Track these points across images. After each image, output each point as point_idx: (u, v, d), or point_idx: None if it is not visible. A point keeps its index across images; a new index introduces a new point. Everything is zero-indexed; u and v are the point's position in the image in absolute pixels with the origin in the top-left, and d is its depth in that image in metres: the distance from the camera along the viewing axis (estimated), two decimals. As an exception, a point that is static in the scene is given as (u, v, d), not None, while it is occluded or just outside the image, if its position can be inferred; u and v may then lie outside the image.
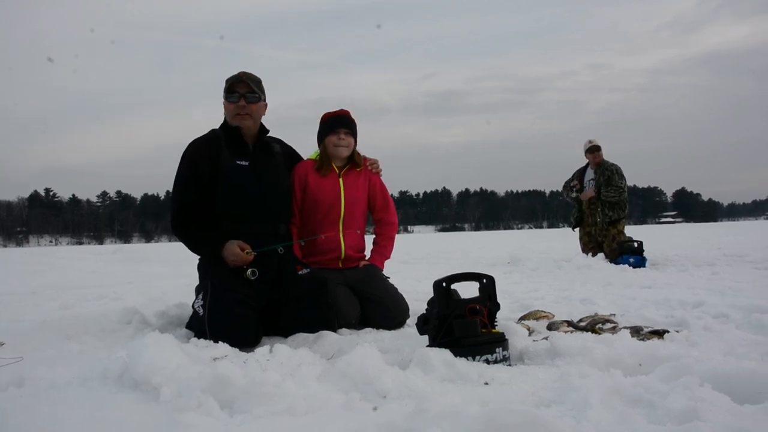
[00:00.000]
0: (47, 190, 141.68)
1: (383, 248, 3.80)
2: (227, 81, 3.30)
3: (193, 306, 3.17)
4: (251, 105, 3.28)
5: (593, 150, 8.27)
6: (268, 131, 3.46)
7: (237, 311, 2.95)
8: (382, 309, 3.44)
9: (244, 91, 3.27)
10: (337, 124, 3.59)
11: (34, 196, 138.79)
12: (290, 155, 3.66)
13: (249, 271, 3.10)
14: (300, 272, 3.35)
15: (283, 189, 3.46)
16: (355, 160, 3.69)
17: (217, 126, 3.41)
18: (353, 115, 3.70)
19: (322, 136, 3.65)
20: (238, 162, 3.26)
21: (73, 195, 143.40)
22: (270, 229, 3.33)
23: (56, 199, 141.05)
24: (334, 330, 3.15)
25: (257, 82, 3.34)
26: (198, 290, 3.21)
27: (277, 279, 3.24)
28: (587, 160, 8.47)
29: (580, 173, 8.54)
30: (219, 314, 2.95)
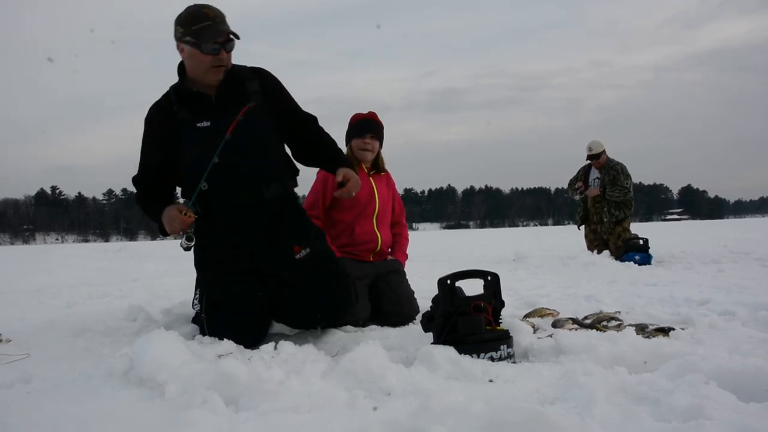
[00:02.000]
0: (53, 188, 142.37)
1: (403, 246, 4.01)
2: (192, 24, 2.65)
3: (192, 305, 3.03)
4: (229, 54, 2.74)
5: (592, 158, 8.22)
6: (234, 67, 2.84)
7: (234, 314, 2.76)
8: (393, 302, 3.48)
9: (223, 39, 2.68)
10: (364, 128, 3.71)
11: (41, 194, 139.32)
12: (273, 89, 2.95)
13: (185, 238, 2.68)
14: (298, 255, 2.84)
15: (262, 143, 2.86)
16: (379, 166, 3.84)
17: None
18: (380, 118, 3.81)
19: (349, 138, 3.78)
20: (198, 124, 2.76)
21: (79, 193, 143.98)
22: (253, 194, 2.82)
23: (62, 197, 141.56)
24: (353, 305, 2.91)
25: (226, 20, 2.72)
26: (196, 286, 3.00)
27: (270, 259, 2.85)
28: None
29: (585, 171, 8.50)
30: (217, 318, 2.80)
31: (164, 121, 2.80)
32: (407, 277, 3.86)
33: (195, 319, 3.06)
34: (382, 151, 3.86)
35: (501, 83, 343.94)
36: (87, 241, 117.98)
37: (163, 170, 2.87)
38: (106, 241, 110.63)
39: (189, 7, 2.71)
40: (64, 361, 2.53)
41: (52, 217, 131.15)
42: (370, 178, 3.76)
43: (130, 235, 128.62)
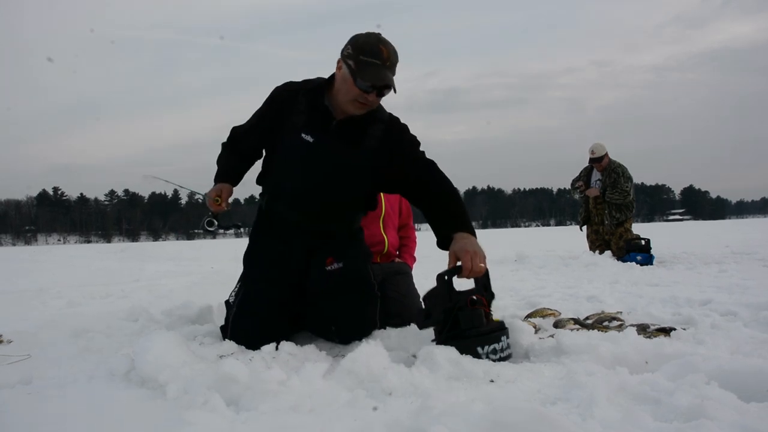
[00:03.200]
0: (55, 189, 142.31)
1: (411, 249, 4.00)
2: (362, 54, 2.51)
3: (230, 295, 2.96)
4: (379, 98, 2.63)
5: (595, 161, 8.27)
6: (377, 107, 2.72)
7: (257, 316, 2.70)
8: (398, 304, 3.48)
9: (382, 84, 2.54)
10: None
11: (43, 194, 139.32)
12: (394, 142, 2.73)
13: (206, 221, 2.86)
14: (329, 267, 2.78)
15: (348, 185, 2.74)
16: None
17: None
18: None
19: None
20: (303, 135, 2.65)
21: (81, 194, 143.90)
22: (313, 223, 2.77)
23: (64, 197, 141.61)
24: (368, 326, 2.82)
25: (396, 67, 2.60)
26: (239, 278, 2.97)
27: (304, 269, 2.80)
28: None
29: (587, 172, 8.54)
30: (242, 313, 2.75)
31: (282, 108, 2.75)
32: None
33: (227, 303, 2.97)
34: None
35: (503, 83, 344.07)
36: (89, 241, 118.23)
37: (253, 143, 2.87)
38: (108, 241, 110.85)
39: (371, 35, 2.58)
40: (66, 362, 2.53)
41: (54, 217, 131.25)
42: None
43: (132, 236, 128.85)
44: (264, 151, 2.90)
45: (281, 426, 1.67)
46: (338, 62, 2.63)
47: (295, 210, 2.77)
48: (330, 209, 2.78)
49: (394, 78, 2.58)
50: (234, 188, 2.93)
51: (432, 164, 2.75)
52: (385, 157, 2.70)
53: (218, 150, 3.02)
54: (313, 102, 2.70)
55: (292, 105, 2.72)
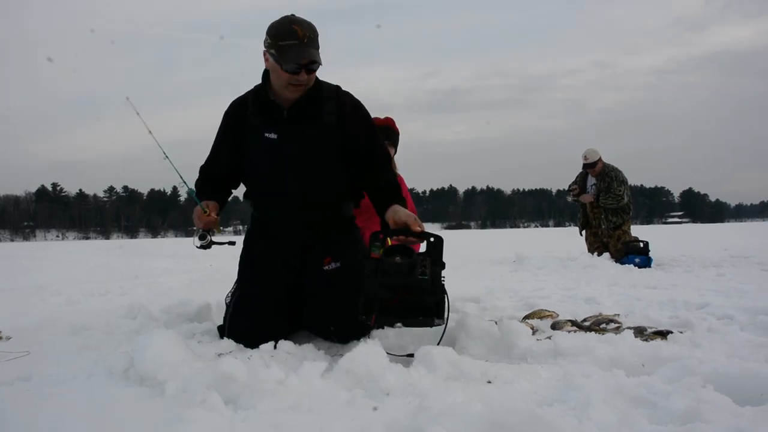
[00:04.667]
0: (54, 185, 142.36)
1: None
2: (279, 39, 2.58)
3: (227, 295, 3.02)
4: (310, 75, 2.67)
5: (588, 167, 8.28)
6: (318, 84, 2.78)
7: (253, 315, 2.73)
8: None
9: (306, 61, 2.60)
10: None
11: (42, 190, 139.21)
12: (348, 114, 2.80)
13: (198, 235, 2.80)
14: (327, 267, 2.80)
15: (323, 165, 2.78)
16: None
17: None
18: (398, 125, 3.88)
19: None
20: (266, 134, 2.75)
21: (80, 190, 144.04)
22: (302, 213, 2.80)
23: (63, 193, 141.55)
24: (365, 326, 2.73)
25: (317, 41, 2.65)
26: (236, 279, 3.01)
27: (302, 269, 2.83)
28: None
29: (583, 177, 8.55)
30: (237, 313, 2.79)
31: (238, 121, 2.84)
32: None
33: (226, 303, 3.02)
34: (396, 156, 3.84)
35: (503, 84, 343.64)
36: (88, 238, 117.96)
37: (225, 167, 2.93)
38: (107, 238, 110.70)
39: (282, 19, 2.65)
40: (65, 359, 2.53)
41: (53, 213, 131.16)
42: None
43: (131, 232, 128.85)
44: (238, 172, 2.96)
45: (279, 425, 1.68)
46: (264, 54, 2.72)
47: (284, 208, 2.82)
48: (316, 195, 2.80)
49: (319, 52, 2.65)
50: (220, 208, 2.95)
51: (382, 165, 2.87)
52: (344, 131, 2.77)
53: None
54: (259, 102, 2.80)
55: (245, 113, 2.82)
